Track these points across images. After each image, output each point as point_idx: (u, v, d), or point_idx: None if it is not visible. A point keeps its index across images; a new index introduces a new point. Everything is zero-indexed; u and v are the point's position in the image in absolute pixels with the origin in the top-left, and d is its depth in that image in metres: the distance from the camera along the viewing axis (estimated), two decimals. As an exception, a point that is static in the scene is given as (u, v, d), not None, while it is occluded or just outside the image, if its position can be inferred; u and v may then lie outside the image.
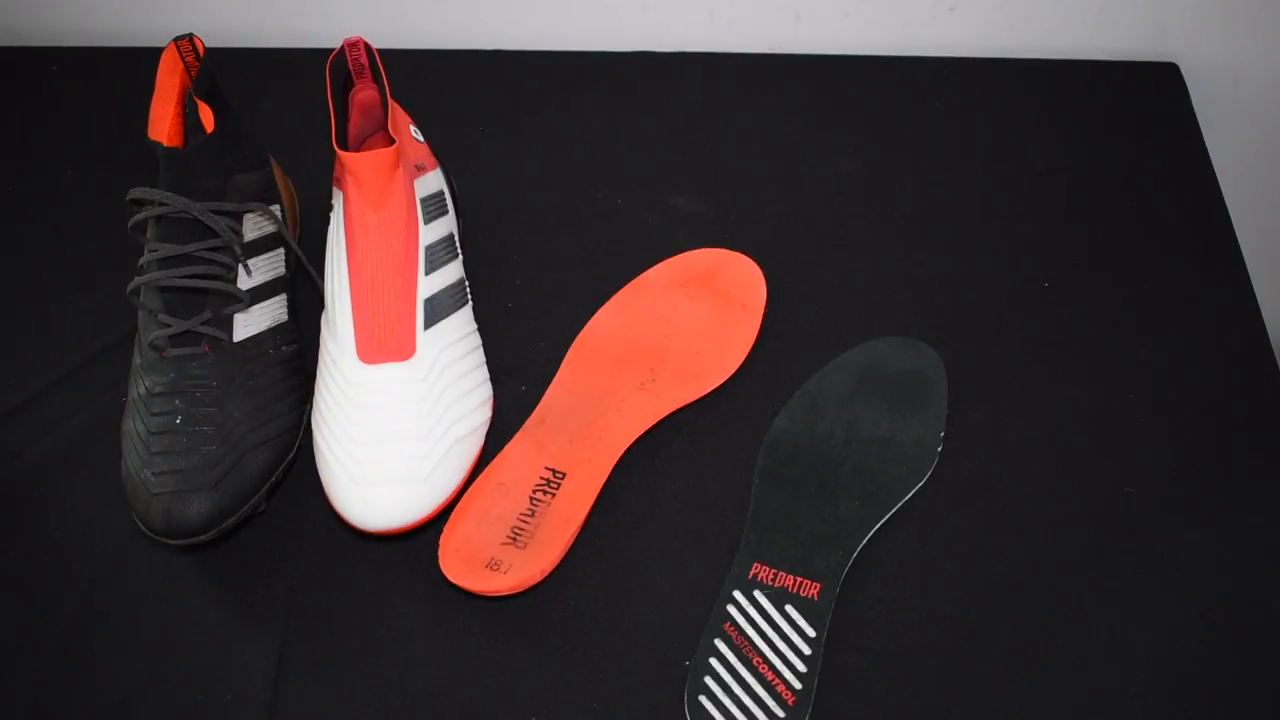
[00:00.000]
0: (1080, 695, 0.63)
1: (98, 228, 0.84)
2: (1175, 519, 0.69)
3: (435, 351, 0.69)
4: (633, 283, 0.79)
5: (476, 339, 0.74)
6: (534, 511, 0.67)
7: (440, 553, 0.66)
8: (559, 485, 0.69)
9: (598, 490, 0.69)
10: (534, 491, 0.68)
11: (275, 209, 0.74)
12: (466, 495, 0.68)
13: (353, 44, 0.72)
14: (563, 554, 0.67)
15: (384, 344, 0.68)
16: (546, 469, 0.69)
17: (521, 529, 0.67)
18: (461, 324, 0.72)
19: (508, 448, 0.71)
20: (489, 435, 0.72)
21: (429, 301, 0.70)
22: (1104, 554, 0.68)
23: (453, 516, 0.68)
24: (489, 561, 0.65)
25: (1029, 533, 0.69)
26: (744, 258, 0.79)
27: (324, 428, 0.68)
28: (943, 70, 0.93)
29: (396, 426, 0.66)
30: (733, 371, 0.75)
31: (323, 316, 0.72)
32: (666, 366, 0.74)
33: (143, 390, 0.67)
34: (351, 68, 0.74)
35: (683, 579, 0.67)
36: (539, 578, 0.65)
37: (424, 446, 0.66)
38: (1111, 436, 0.72)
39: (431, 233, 0.72)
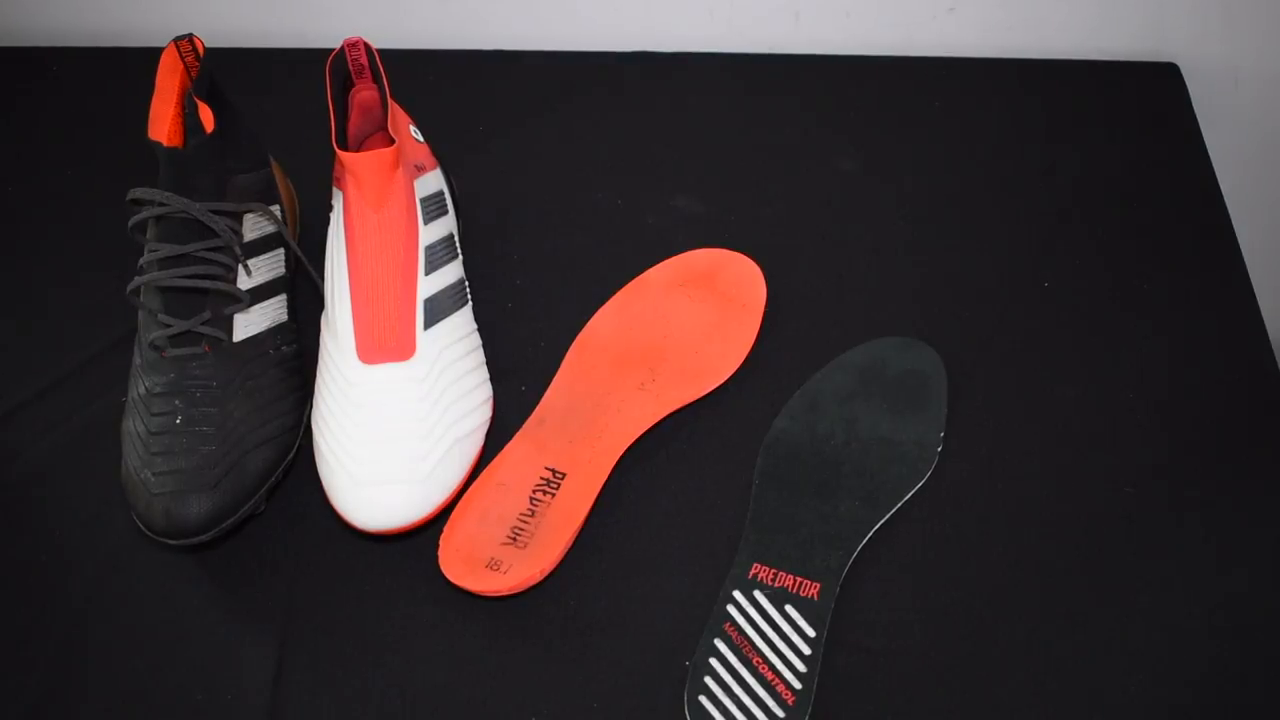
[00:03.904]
0: (1080, 695, 0.63)
1: (98, 228, 0.84)
2: (1175, 518, 0.69)
3: (435, 351, 0.69)
4: (632, 283, 0.79)
5: (476, 339, 0.74)
6: (534, 511, 0.67)
7: (440, 553, 0.66)
8: (559, 485, 0.69)
9: (598, 490, 0.69)
10: (534, 491, 0.68)
11: (275, 209, 0.74)
12: (466, 495, 0.68)
13: (353, 44, 0.72)
14: (563, 554, 0.67)
15: (384, 344, 0.68)
16: (546, 469, 0.69)
17: (521, 529, 0.67)
18: (461, 324, 0.72)
19: (508, 448, 0.71)
20: (489, 435, 0.72)
21: (429, 301, 0.70)
22: (1104, 554, 0.68)
23: (453, 516, 0.68)
24: (489, 561, 0.65)
25: (1029, 532, 0.69)
26: (744, 258, 0.79)
27: (324, 428, 0.68)
28: (943, 70, 0.93)
29: (396, 426, 0.66)
30: (733, 371, 0.75)
31: (323, 316, 0.72)
32: (666, 366, 0.74)
33: (143, 390, 0.67)
34: (351, 68, 0.74)
35: (683, 579, 0.67)
36: (539, 578, 0.65)
37: (424, 446, 0.66)
38: (1111, 436, 0.72)
39: (431, 233, 0.72)
